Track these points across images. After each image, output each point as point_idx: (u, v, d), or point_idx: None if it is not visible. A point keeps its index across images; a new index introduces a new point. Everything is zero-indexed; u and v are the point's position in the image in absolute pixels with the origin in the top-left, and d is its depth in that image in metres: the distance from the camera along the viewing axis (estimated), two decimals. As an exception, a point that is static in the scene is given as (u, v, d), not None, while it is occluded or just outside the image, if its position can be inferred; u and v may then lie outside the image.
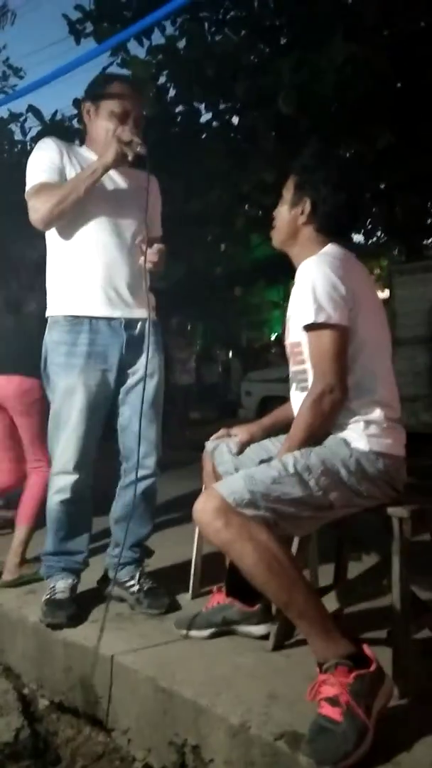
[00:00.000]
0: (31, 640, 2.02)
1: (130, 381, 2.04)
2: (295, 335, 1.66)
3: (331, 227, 1.69)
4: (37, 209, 1.92)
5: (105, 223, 1.97)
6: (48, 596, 1.99)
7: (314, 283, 1.53)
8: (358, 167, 6.02)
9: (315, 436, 1.55)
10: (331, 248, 1.65)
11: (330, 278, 1.53)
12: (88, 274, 1.97)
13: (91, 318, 1.97)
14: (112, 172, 1.97)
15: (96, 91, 2.02)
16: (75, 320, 1.97)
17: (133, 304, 2.01)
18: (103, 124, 1.98)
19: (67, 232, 1.98)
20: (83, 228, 1.97)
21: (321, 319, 1.52)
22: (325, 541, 2.00)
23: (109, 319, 1.98)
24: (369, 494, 1.54)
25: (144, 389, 1.96)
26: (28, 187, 1.96)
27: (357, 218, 1.86)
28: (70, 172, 1.96)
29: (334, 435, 1.57)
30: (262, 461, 1.70)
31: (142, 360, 2.02)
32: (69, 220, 1.96)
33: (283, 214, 1.74)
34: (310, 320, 1.53)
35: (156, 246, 1.96)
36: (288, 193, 1.74)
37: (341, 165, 1.79)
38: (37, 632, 1.98)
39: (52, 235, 2.03)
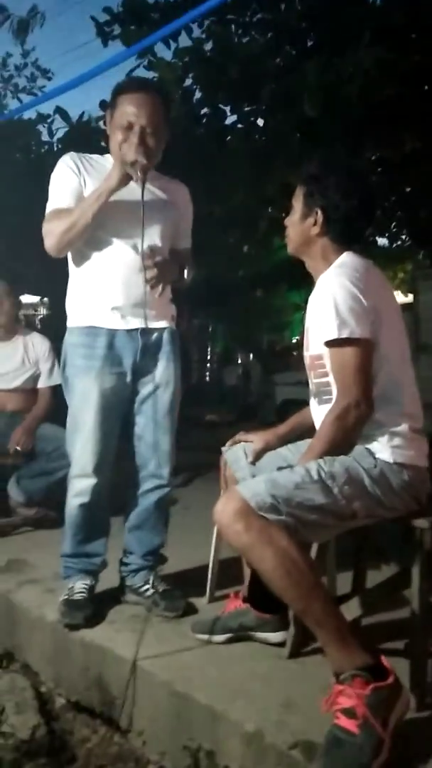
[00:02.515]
0: (49, 639, 2.03)
1: (145, 390, 2.04)
2: (315, 348, 1.63)
3: (346, 236, 1.66)
4: (48, 237, 1.94)
5: (126, 236, 1.93)
6: (66, 596, 2.00)
7: (335, 296, 1.51)
8: (383, 171, 6.00)
9: (338, 451, 1.52)
10: (348, 258, 1.62)
11: (351, 291, 1.51)
12: (107, 288, 1.96)
13: (108, 329, 1.98)
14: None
15: (111, 100, 1.97)
16: (94, 328, 1.99)
17: (151, 316, 1.99)
18: (114, 135, 1.94)
19: (88, 244, 1.97)
20: (104, 241, 1.95)
21: (344, 334, 1.49)
22: (343, 548, 1.99)
23: (126, 330, 1.99)
24: (392, 505, 1.53)
25: (159, 398, 1.96)
26: (46, 212, 1.98)
27: (371, 222, 1.81)
28: (90, 187, 1.94)
29: (358, 444, 1.55)
30: (279, 468, 1.70)
31: (158, 368, 2.02)
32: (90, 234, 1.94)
33: (295, 224, 1.71)
34: (333, 336, 1.51)
35: (158, 259, 1.91)
36: (298, 203, 1.70)
37: (349, 170, 1.73)
38: (55, 631, 1.99)
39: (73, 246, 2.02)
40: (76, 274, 2.04)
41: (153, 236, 1.98)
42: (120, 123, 1.90)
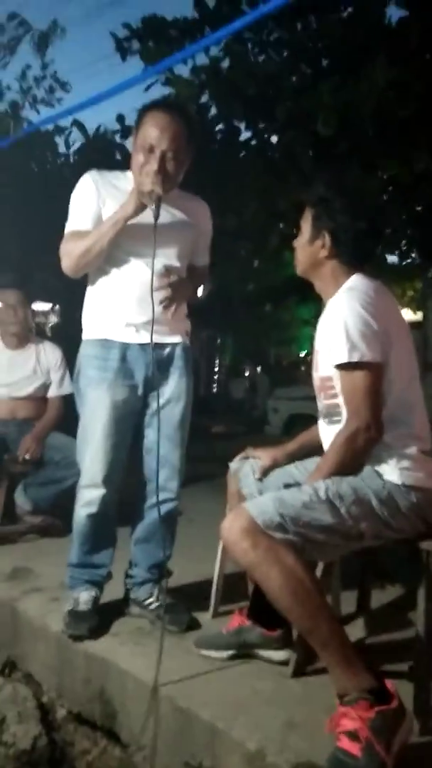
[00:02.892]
0: (52, 649, 2.04)
1: (156, 404, 2.05)
2: (325, 369, 1.63)
3: (355, 258, 1.66)
4: (65, 258, 1.99)
5: (143, 255, 1.94)
6: (71, 607, 2.01)
7: (346, 320, 1.52)
8: (395, 189, 6.04)
9: (346, 472, 1.53)
10: (359, 281, 1.63)
11: (362, 315, 1.52)
12: (122, 305, 1.99)
13: (122, 342, 2.01)
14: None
15: (137, 119, 1.97)
16: (108, 341, 2.02)
17: (165, 332, 2.01)
18: (136, 155, 1.94)
19: (106, 261, 1.99)
20: (121, 260, 1.98)
21: (355, 358, 1.50)
22: (348, 568, 1.99)
23: (139, 344, 2.01)
24: (399, 527, 1.53)
25: (165, 413, 1.96)
26: (65, 231, 2.02)
27: (380, 242, 1.82)
28: (110, 207, 1.96)
29: (367, 465, 1.55)
30: (286, 485, 1.70)
31: (170, 383, 2.04)
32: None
33: (303, 247, 1.72)
34: (343, 359, 1.51)
35: (172, 279, 1.95)
36: (306, 225, 1.71)
37: (357, 191, 1.75)
38: (59, 642, 2.00)
39: None
40: (93, 288, 2.07)
41: (169, 256, 2.00)
42: (142, 144, 1.91)
